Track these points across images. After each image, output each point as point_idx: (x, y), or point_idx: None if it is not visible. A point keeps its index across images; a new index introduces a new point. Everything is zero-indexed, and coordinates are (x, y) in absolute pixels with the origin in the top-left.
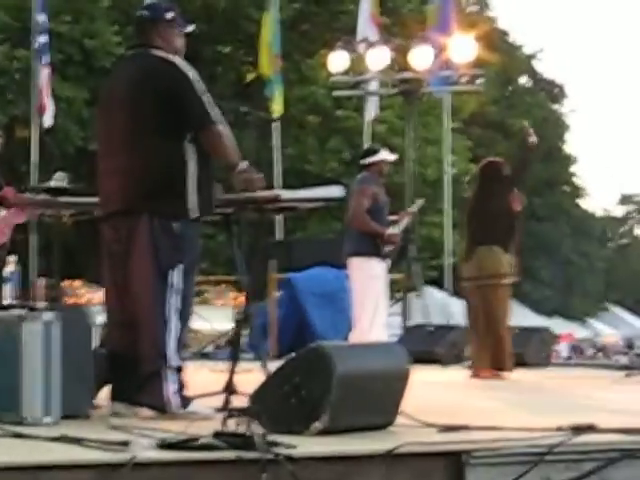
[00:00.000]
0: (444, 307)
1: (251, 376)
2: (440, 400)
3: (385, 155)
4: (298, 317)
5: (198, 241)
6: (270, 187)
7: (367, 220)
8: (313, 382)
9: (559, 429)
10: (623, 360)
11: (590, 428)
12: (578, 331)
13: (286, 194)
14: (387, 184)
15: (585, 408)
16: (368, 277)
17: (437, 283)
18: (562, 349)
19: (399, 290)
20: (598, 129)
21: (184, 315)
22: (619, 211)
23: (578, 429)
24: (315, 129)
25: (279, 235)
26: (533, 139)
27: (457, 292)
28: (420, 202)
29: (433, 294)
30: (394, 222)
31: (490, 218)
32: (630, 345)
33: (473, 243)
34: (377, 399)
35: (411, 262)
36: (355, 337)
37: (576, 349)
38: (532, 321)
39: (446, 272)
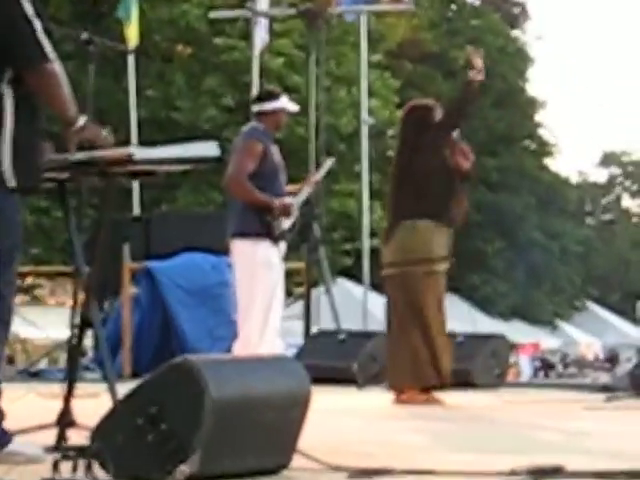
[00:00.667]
0: (362, 306)
1: (96, 403)
2: (353, 434)
3: (287, 103)
4: (161, 321)
5: (19, 219)
6: (124, 143)
7: (248, 187)
8: (178, 411)
9: (513, 473)
10: (604, 378)
11: (555, 471)
12: (545, 339)
13: (142, 153)
14: (284, 138)
15: (549, 444)
16: (256, 266)
17: (352, 274)
18: (524, 364)
19: (300, 284)
20: (572, 64)
21: (0, 320)
22: (600, 175)
23: (539, 472)
24: (186, 64)
25: (136, 209)
26: (477, 69)
27: (379, 285)
28: (329, 163)
29: (347, 289)
30: (293, 192)
31: (417, 182)
32: (613, 358)
33: (396, 217)
34: (267, 433)
35: (316, 246)
36: (239, 348)
37: (543, 364)
38: (482, 326)
39: (365, 259)
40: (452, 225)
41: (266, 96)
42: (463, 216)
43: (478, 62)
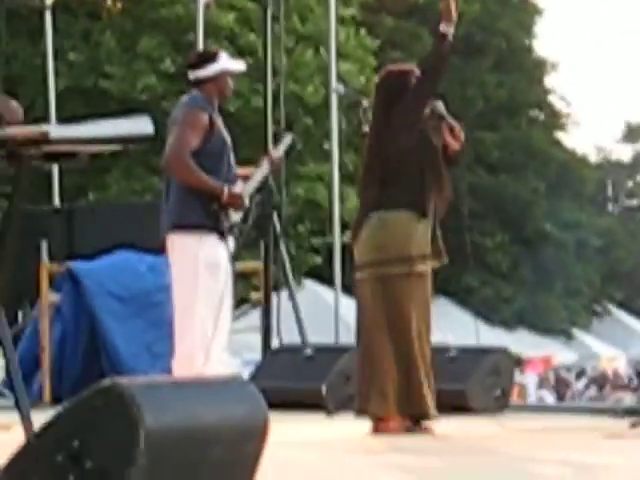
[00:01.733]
0: (333, 314)
1: (9, 436)
2: (320, 472)
3: (228, 63)
4: (88, 335)
5: None
6: (41, 119)
7: (192, 167)
8: (106, 446)
9: None
10: (629, 399)
11: None
12: (559, 352)
13: (60, 131)
14: (237, 111)
15: None
16: (199, 266)
17: (322, 275)
18: (531, 382)
19: (256, 288)
20: (590, 16)
21: None
22: (624, 152)
23: None
24: (117, 21)
25: (57, 199)
26: (448, 19)
27: (352, 288)
28: (289, 139)
29: (316, 293)
30: (245, 177)
31: (387, 165)
32: None
33: (364, 209)
34: (215, 472)
35: (277, 241)
36: (179, 367)
37: (557, 382)
38: (482, 337)
39: (337, 257)
40: (434, 216)
41: (200, 60)
42: (445, 205)
43: (451, 9)
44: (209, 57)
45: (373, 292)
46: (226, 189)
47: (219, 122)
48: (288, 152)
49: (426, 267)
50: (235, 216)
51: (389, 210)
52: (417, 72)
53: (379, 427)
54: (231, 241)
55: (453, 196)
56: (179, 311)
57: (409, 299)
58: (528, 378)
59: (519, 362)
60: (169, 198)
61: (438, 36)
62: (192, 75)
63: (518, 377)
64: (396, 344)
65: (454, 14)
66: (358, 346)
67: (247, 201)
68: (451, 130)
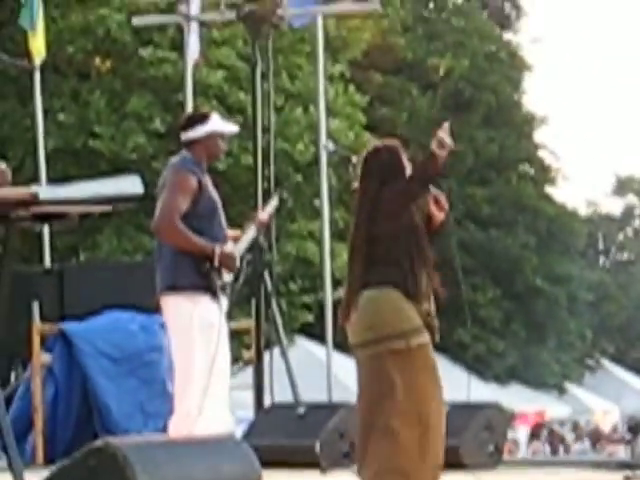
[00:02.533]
0: (326, 371)
1: None
2: None
3: (219, 125)
4: (80, 396)
5: None
6: (30, 181)
7: (182, 230)
8: None
9: None
10: (622, 453)
11: None
12: (551, 406)
13: (50, 192)
14: (227, 169)
15: None
16: (194, 326)
17: (314, 332)
18: (523, 437)
19: (248, 346)
20: (578, 71)
21: None
22: (615, 205)
23: None
24: (106, 81)
25: (48, 260)
26: (442, 146)
27: (344, 344)
28: (276, 198)
29: (308, 350)
30: (234, 239)
31: (380, 243)
32: (635, 427)
33: (355, 287)
34: None
35: (268, 299)
36: (177, 427)
37: (550, 437)
38: (474, 392)
39: (328, 313)
40: (428, 297)
41: (190, 122)
42: (437, 287)
43: (445, 139)
44: (199, 119)
45: (371, 370)
46: (217, 249)
47: (208, 183)
48: (278, 209)
49: (423, 338)
50: (227, 275)
51: (376, 288)
52: (401, 149)
53: None
54: (224, 300)
55: (444, 252)
56: (178, 374)
57: (401, 375)
58: (521, 433)
59: (512, 417)
60: (161, 259)
61: (429, 154)
62: (183, 136)
63: (510, 433)
64: (382, 424)
65: (448, 142)
66: (359, 416)
67: (238, 261)
68: (436, 201)
